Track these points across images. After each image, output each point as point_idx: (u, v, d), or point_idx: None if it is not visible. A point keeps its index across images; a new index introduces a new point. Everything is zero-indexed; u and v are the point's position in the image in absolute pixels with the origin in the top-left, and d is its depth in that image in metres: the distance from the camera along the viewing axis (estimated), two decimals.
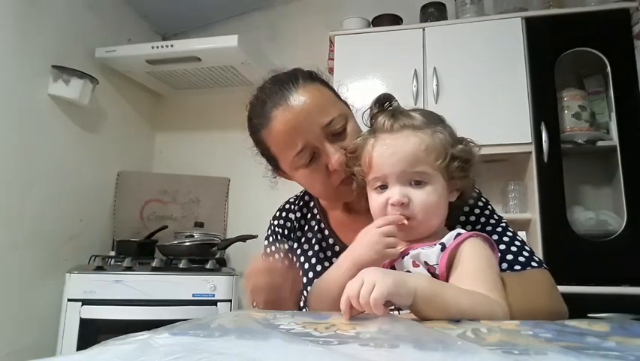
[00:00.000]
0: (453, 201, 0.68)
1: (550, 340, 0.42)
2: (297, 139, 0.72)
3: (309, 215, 0.89)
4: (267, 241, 0.91)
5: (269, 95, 0.75)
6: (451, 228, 0.68)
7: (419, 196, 0.63)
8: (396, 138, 0.64)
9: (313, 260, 0.83)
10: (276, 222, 0.91)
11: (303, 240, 0.87)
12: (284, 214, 0.91)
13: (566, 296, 0.71)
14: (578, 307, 0.70)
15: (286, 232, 0.89)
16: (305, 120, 0.72)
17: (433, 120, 0.66)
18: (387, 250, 0.60)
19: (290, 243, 0.88)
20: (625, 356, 0.35)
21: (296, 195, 0.94)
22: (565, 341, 0.41)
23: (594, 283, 1.58)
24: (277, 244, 0.88)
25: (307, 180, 0.77)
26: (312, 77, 0.78)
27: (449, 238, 0.61)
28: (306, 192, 0.92)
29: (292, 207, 0.91)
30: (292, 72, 0.78)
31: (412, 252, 0.62)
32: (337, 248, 0.83)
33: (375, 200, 0.66)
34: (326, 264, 0.81)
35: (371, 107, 0.70)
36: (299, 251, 0.86)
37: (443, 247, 0.60)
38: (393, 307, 0.55)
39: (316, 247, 0.84)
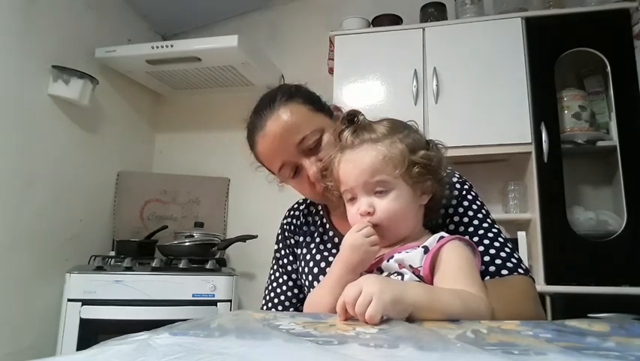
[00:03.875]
0: (424, 203, 0.72)
1: (550, 340, 0.42)
2: (277, 159, 0.81)
3: (314, 211, 0.96)
4: (276, 240, 0.98)
5: (253, 121, 0.83)
6: (435, 230, 0.72)
7: (382, 204, 0.68)
8: (357, 152, 0.69)
9: (314, 251, 0.89)
10: (284, 221, 0.98)
11: (307, 234, 0.93)
12: (291, 213, 0.99)
13: (566, 296, 0.72)
14: (578, 308, 0.70)
15: (292, 227, 0.96)
16: (279, 143, 0.79)
17: (396, 130, 0.71)
18: (371, 248, 0.65)
19: (296, 238, 0.94)
20: (625, 356, 0.35)
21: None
22: (565, 341, 0.41)
23: (594, 283, 1.58)
24: (285, 241, 0.96)
25: (297, 188, 0.86)
26: (291, 94, 0.82)
27: (432, 241, 0.65)
28: None
29: (300, 206, 0.99)
30: (273, 93, 0.84)
31: (397, 255, 0.66)
32: (336, 240, 0.88)
33: (349, 211, 0.72)
34: (325, 254, 0.87)
35: (338, 124, 0.75)
36: (304, 244, 0.92)
37: (426, 250, 0.64)
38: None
39: (317, 240, 0.90)
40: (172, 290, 1.72)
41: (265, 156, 0.82)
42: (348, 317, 0.53)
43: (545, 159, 1.73)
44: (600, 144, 1.78)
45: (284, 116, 0.79)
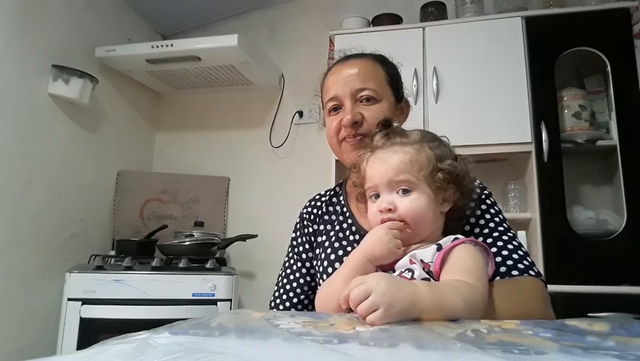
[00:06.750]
0: (444, 211, 0.73)
1: (550, 339, 0.42)
2: (334, 90, 0.90)
3: (335, 201, 0.99)
4: (293, 229, 1.01)
5: (343, 56, 0.97)
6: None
7: (404, 202, 0.69)
8: (386, 152, 0.73)
9: (333, 238, 0.91)
10: (304, 211, 1.01)
11: (328, 222, 0.96)
12: (312, 203, 1.02)
13: (566, 296, 0.72)
14: (578, 307, 0.70)
15: (312, 217, 0.99)
16: (346, 79, 0.89)
17: (428, 139, 0.74)
18: (395, 249, 0.66)
19: (315, 226, 0.97)
20: (625, 355, 0.35)
21: (328, 188, 1.05)
22: (565, 340, 0.41)
23: (594, 283, 1.57)
24: (302, 230, 0.98)
25: (328, 124, 0.93)
26: (381, 60, 0.96)
27: (446, 240, 0.67)
28: (337, 184, 1.03)
29: (322, 197, 1.02)
30: (370, 53, 0.99)
31: (410, 252, 0.67)
32: (354, 228, 0.90)
33: (370, 208, 0.74)
34: (344, 243, 0.89)
35: (375, 128, 0.81)
36: (324, 232, 0.94)
37: (439, 248, 0.65)
38: None
39: (337, 227, 0.93)
40: (172, 290, 1.72)
41: (330, 83, 0.92)
42: (349, 307, 0.55)
43: (545, 159, 1.73)
44: (600, 143, 1.78)
45: (365, 65, 0.91)
